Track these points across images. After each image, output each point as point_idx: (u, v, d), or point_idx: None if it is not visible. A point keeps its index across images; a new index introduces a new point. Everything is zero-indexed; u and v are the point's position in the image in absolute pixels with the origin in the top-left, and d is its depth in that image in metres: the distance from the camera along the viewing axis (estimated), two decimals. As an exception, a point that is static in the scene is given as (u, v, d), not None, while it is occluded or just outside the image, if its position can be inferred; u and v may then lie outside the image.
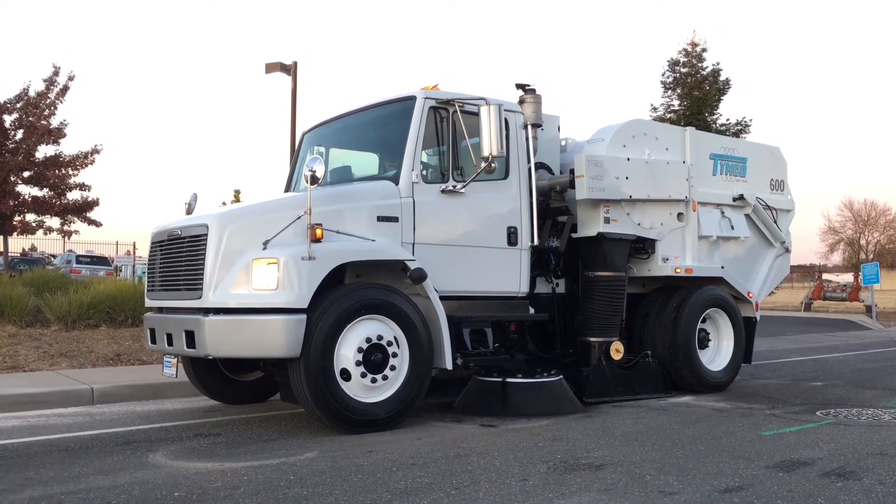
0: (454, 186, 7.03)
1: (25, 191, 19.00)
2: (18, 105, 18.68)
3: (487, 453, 5.37)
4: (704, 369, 8.67)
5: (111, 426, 6.64)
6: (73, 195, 19.37)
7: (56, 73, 18.88)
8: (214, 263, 6.12)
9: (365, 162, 8.00)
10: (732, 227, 9.21)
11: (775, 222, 9.70)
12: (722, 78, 27.86)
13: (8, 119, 18.54)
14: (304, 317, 5.91)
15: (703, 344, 8.87)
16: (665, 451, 5.49)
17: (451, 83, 7.37)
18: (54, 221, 20.12)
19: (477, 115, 6.82)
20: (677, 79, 28.26)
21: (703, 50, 28.11)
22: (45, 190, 19.06)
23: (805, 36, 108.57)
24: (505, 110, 7.11)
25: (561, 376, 7.43)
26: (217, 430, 6.36)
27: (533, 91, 8.09)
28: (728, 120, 27.58)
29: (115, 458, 5.29)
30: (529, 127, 7.68)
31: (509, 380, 7.20)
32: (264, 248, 6.08)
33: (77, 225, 20.28)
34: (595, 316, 8.09)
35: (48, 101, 18.76)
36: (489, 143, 6.67)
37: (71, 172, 19.26)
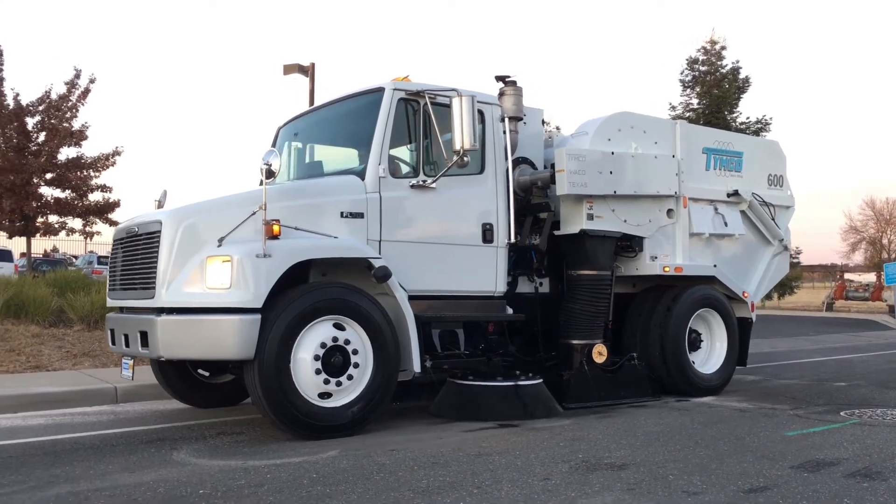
0: (424, 181, 6.75)
1: (48, 192, 19.14)
2: (41, 108, 18.82)
3: (508, 453, 5.37)
4: (695, 372, 8.38)
5: (135, 424, 6.70)
6: (95, 196, 19.49)
7: (77, 76, 19.01)
8: (168, 261, 5.90)
9: (345, 157, 7.65)
10: (726, 224, 8.84)
11: (773, 219, 9.33)
12: (742, 76, 27.61)
13: (30, 122, 18.70)
14: (258, 317, 5.67)
15: (695, 346, 8.56)
16: (688, 451, 5.46)
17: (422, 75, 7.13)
18: (76, 223, 20.28)
19: (449, 106, 6.52)
20: (696, 77, 28.04)
21: (723, 48, 27.86)
22: (67, 191, 19.20)
23: (827, 32, 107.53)
24: (479, 102, 6.88)
25: (540, 380, 7.17)
26: (239, 429, 6.39)
27: (514, 83, 7.79)
28: (748, 118, 27.33)
29: (139, 456, 5.34)
30: (507, 120, 7.40)
31: (482, 383, 6.96)
32: (219, 245, 5.87)
33: (99, 226, 20.40)
34: (578, 317, 7.79)
35: (69, 103, 18.89)
36: (461, 136, 6.39)
37: (92, 174, 19.38)
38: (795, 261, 32.30)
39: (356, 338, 6.07)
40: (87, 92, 19.07)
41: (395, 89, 6.80)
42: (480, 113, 7.03)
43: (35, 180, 18.50)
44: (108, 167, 19.43)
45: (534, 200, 7.89)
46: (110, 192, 19.73)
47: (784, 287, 33.04)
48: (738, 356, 8.91)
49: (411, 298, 6.50)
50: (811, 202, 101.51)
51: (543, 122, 8.40)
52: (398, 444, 5.72)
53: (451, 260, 6.97)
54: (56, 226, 19.78)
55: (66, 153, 19.08)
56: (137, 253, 6.34)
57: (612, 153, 7.82)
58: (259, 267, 5.70)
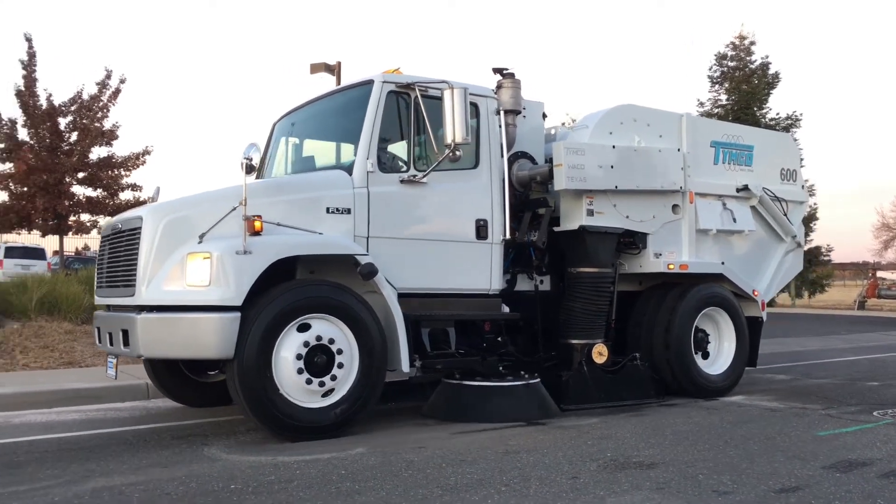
0: (414, 176, 6.59)
1: (80, 191, 19.46)
2: (73, 108, 19.13)
3: (536, 451, 5.37)
4: (700, 373, 8.08)
5: (166, 420, 6.80)
6: (126, 195, 19.72)
7: (108, 77, 19.27)
8: (148, 258, 5.78)
9: (339, 152, 7.43)
10: (735, 220, 8.51)
11: (785, 215, 8.98)
12: (771, 71, 27.37)
13: (63, 122, 19.02)
14: (237, 315, 5.53)
15: (702, 346, 8.27)
16: (717, 450, 5.42)
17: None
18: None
19: (441, 99, 6.34)
20: (725, 73, 27.84)
21: (752, 43, 27.66)
22: (99, 190, 19.49)
23: (857, 26, 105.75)
24: (473, 94, 6.73)
25: (538, 380, 6.99)
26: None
27: (511, 75, 7.54)
28: (778, 114, 27.06)
29: (171, 451, 5.42)
30: (503, 113, 7.16)
31: (475, 383, 6.76)
32: (200, 242, 5.74)
33: (129, 225, 20.69)
34: (577, 316, 7.54)
35: (101, 103, 19.19)
36: (452, 129, 6.21)
37: (123, 173, 19.67)
38: (826, 258, 31.85)
39: (341, 337, 5.91)
40: (117, 92, 19.35)
41: (384, 82, 6.63)
42: (475, 106, 6.88)
43: (67, 179, 18.81)
44: (138, 166, 19.70)
45: (532, 196, 7.66)
46: (140, 190, 19.98)
47: (815, 285, 32.65)
48: (747, 357, 8.58)
49: (402, 296, 6.36)
50: (843, 199, 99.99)
51: (545, 115, 8.08)
52: (424, 441, 5.74)
53: (443, 257, 6.79)
54: (88, 224, 20.10)
55: (97, 152, 19.39)
56: (120, 250, 6.23)
57: (613, 147, 7.57)
58: (239, 264, 5.56)
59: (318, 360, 5.78)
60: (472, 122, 6.75)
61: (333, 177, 6.54)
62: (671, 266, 8.03)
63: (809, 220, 30.61)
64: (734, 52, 27.80)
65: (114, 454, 5.35)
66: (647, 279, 8.46)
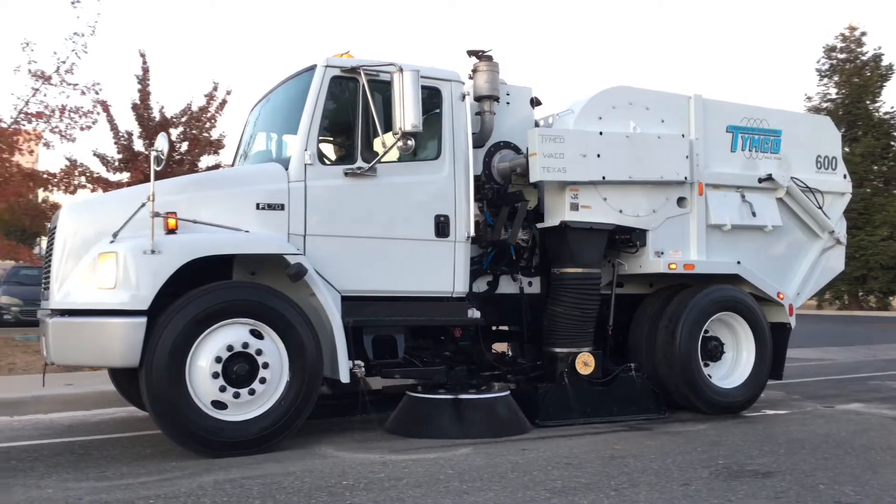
0: (360, 168, 6.02)
1: (191, 199, 20.46)
2: (183, 119, 20.16)
3: (643, 456, 5.29)
4: (710, 386, 7.13)
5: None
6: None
7: (215, 89, 20.22)
8: (61, 258, 5.46)
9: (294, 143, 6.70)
10: (754, 214, 7.54)
11: (821, 208, 7.95)
12: (885, 63, 25.99)
13: (174, 132, 20.06)
14: (143, 320, 5.11)
15: (716, 355, 7.34)
16: (836, 459, 5.20)
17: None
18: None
19: (391, 83, 5.82)
20: (834, 66, 26.64)
21: (863, 34, 26.36)
22: (209, 198, 20.43)
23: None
24: (432, 78, 6.27)
25: (507, 393, 6.38)
26: (374, 426, 6.56)
27: (489, 58, 6.87)
28: (892, 108, 25.70)
29: (286, 448, 5.59)
30: (469, 99, 6.55)
31: (435, 396, 6.24)
32: (112, 241, 5.36)
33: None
34: (561, 321, 6.84)
35: (209, 114, 20.16)
36: (402, 115, 5.65)
37: (230, 180, 20.54)
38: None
39: (268, 344, 5.45)
40: (223, 103, 20.25)
41: (327, 66, 6.10)
42: (437, 91, 6.39)
43: (179, 188, 19.82)
44: (244, 174, 20.52)
45: (511, 189, 7.02)
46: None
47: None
48: (769, 367, 7.52)
49: (348, 300, 5.90)
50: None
51: (535, 101, 7.30)
52: (528, 443, 5.75)
53: (396, 256, 6.19)
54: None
55: (206, 161, 20.35)
56: (48, 250, 5.95)
57: (600, 133, 6.84)
58: (146, 264, 5.15)
59: (238, 370, 5.32)
60: (434, 109, 6.33)
61: (266, 170, 6.09)
62: (673, 266, 7.17)
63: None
64: (844, 45, 26.56)
65: (231, 449, 5.59)
66: (658, 281, 7.65)
